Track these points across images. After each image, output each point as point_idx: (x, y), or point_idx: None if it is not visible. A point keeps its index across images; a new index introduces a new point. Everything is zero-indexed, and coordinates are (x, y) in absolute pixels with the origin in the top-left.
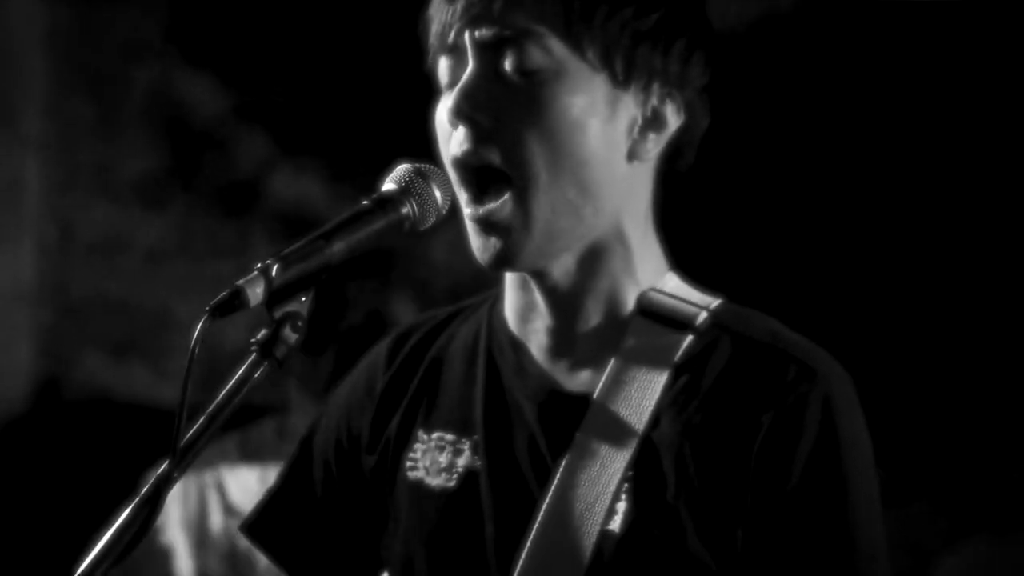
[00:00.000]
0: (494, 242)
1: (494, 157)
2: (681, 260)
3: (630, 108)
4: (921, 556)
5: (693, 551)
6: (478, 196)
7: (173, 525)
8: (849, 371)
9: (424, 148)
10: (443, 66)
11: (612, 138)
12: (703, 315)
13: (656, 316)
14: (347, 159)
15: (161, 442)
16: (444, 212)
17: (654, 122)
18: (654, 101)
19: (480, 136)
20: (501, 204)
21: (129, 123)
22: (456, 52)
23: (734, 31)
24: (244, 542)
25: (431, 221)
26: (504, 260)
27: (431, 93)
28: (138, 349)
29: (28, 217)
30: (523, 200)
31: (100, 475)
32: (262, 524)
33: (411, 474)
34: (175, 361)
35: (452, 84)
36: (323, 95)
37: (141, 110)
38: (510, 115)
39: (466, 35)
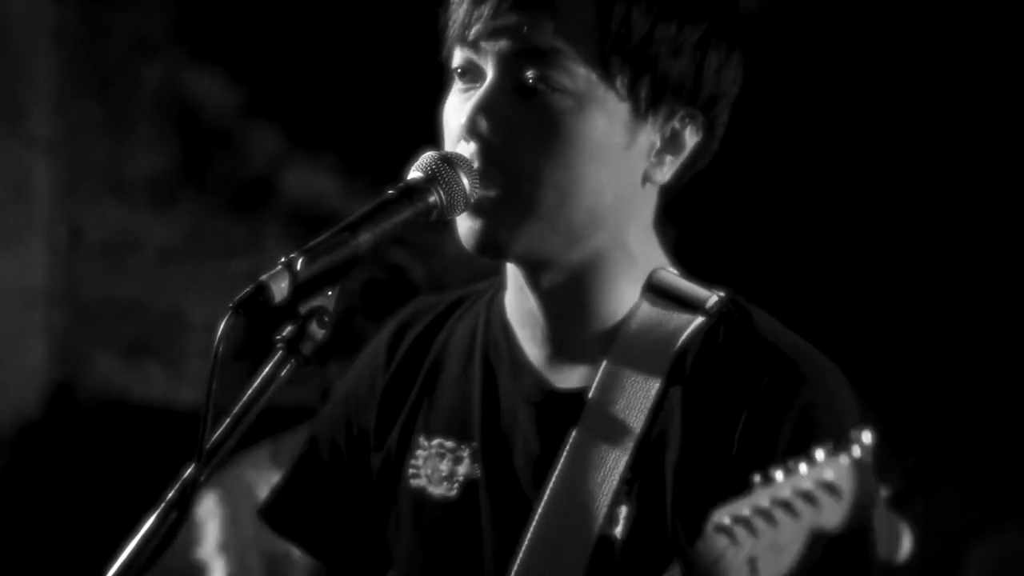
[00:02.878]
0: (480, 224)
1: (499, 181)
2: (682, 254)
3: (649, 133)
4: (950, 543)
5: (687, 549)
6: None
7: (208, 539)
8: (873, 360)
9: (438, 139)
10: (458, 56)
11: (628, 165)
12: (714, 298)
13: (665, 293)
14: (361, 153)
15: (176, 443)
16: (472, 200)
17: (672, 144)
18: (675, 124)
19: (490, 156)
20: (497, 202)
21: (138, 121)
22: (475, 49)
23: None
24: (280, 547)
25: (459, 209)
26: (489, 244)
27: (443, 85)
28: (151, 350)
29: (38, 218)
30: (524, 215)
31: (115, 478)
32: (276, 509)
33: (414, 482)
34: (189, 362)
35: (466, 76)
36: (334, 88)
37: (150, 108)
38: (524, 138)
39: (489, 43)
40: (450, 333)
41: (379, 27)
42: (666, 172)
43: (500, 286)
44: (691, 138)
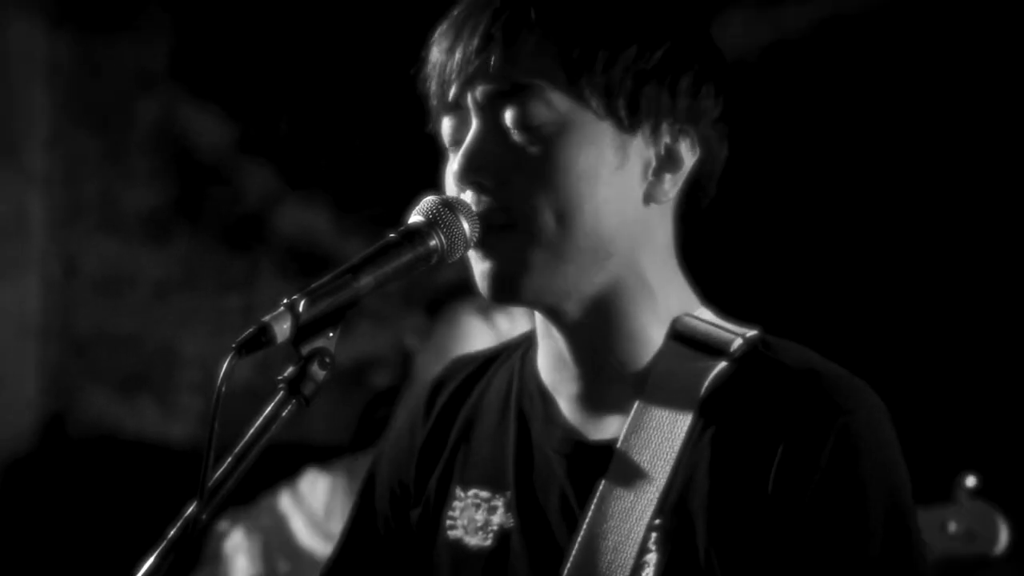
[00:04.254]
0: (493, 267)
1: (501, 218)
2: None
3: (641, 151)
4: None
5: None
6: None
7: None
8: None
9: (432, 178)
10: (446, 125)
11: (625, 184)
12: (738, 341)
13: (689, 340)
14: (354, 191)
15: (168, 478)
16: (472, 243)
17: (668, 162)
18: (666, 140)
19: (486, 198)
20: (502, 237)
21: (133, 156)
22: (458, 110)
23: (744, 58)
24: None
25: (459, 253)
26: (505, 290)
27: (436, 123)
28: (144, 385)
29: (32, 252)
30: (529, 245)
31: (106, 512)
32: None
33: (451, 532)
34: (182, 397)
35: (456, 143)
36: (329, 127)
37: (145, 143)
38: (516, 174)
39: (467, 93)
40: (486, 387)
41: (374, 67)
42: (668, 191)
43: (532, 342)
44: (688, 154)
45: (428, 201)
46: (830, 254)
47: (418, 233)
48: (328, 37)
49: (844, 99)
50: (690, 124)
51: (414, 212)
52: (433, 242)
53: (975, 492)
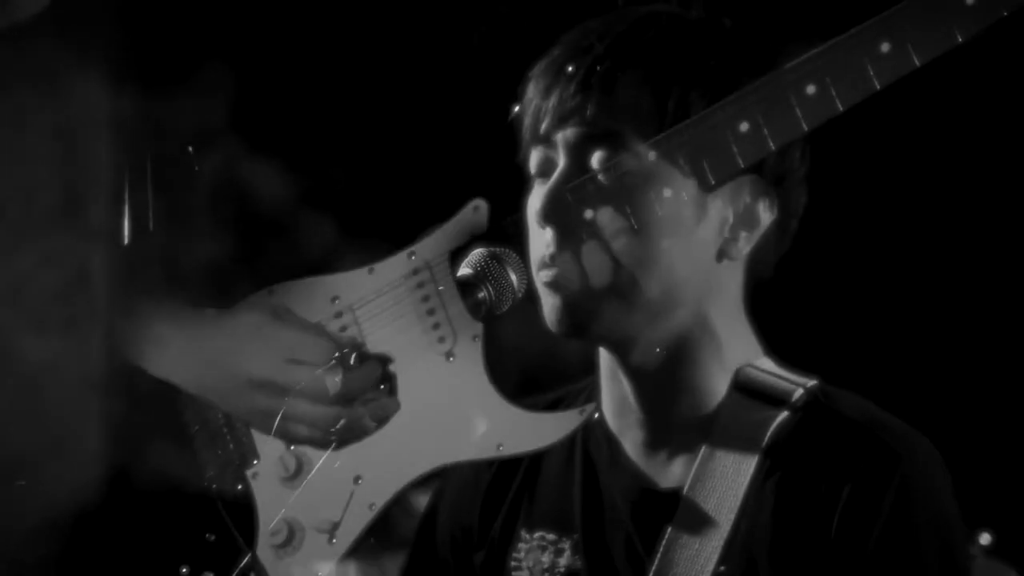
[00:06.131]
0: (558, 302)
1: (576, 260)
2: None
3: (720, 208)
4: None
5: None
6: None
7: None
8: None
9: (491, 230)
10: (534, 156)
11: (701, 239)
12: (799, 391)
13: (752, 391)
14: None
15: (233, 530)
16: (520, 295)
17: (746, 220)
18: (746, 199)
19: (565, 239)
20: (568, 269)
21: (195, 211)
22: (548, 143)
23: None
24: None
25: (507, 305)
26: (571, 325)
27: (498, 177)
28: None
29: (96, 307)
30: (599, 293)
31: (173, 565)
32: None
33: (516, 574)
34: None
35: (543, 174)
36: (390, 180)
37: (207, 198)
38: (596, 218)
39: (559, 132)
40: None
41: (435, 120)
42: (742, 248)
43: (597, 383)
44: (765, 214)
45: (476, 254)
46: (888, 306)
47: (467, 285)
48: (392, 90)
49: (914, 146)
50: (772, 185)
51: (463, 265)
52: (481, 294)
53: (989, 551)
